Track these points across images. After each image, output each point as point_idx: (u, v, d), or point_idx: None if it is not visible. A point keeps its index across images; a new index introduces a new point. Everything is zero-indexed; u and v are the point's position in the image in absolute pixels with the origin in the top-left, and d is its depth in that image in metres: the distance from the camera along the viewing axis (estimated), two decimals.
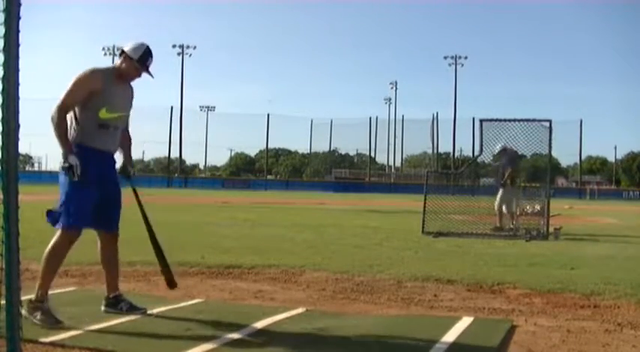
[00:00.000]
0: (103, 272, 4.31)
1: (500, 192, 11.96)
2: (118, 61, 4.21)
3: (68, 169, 3.85)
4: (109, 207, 4.16)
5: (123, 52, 4.17)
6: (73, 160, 3.85)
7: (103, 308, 4.21)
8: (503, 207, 11.94)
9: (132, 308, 4.19)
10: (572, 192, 56.11)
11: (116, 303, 4.21)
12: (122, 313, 4.13)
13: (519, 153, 12.03)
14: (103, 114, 4.02)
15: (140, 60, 4.13)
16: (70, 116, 4.01)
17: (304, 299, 4.99)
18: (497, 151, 11.90)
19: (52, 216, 3.98)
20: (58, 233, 3.97)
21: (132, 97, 4.32)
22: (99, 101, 3.99)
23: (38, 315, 3.78)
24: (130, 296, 4.45)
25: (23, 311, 3.54)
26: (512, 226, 11.76)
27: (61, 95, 3.95)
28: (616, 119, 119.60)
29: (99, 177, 4.02)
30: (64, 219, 3.93)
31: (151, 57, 4.19)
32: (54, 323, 3.76)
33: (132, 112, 4.36)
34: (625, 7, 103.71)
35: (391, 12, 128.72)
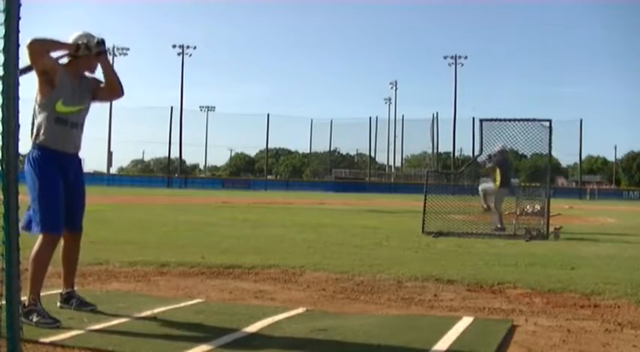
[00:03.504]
0: (62, 268, 4.29)
1: (497, 192, 11.98)
2: (65, 59, 4.11)
3: (99, 44, 4.07)
4: (73, 207, 4.13)
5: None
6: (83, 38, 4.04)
7: (58, 304, 4.23)
8: (492, 205, 11.96)
9: (81, 304, 4.20)
10: (573, 191, 56.16)
11: (69, 299, 4.24)
12: (114, 313, 4.13)
13: (519, 153, 12.08)
14: (60, 107, 3.96)
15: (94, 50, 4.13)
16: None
17: (304, 299, 4.99)
18: (495, 151, 11.92)
19: (27, 224, 3.95)
20: (40, 238, 3.95)
21: (90, 89, 4.21)
22: (54, 94, 3.94)
23: (34, 318, 3.77)
24: (130, 296, 4.46)
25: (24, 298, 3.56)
26: (499, 225, 11.80)
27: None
28: (616, 119, 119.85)
29: (62, 177, 4.01)
30: (42, 224, 3.91)
31: (94, 38, 4.15)
32: (52, 323, 3.75)
33: (91, 106, 4.28)
34: (625, 7, 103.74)
35: (391, 12, 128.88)
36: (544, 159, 12.00)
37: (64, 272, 4.28)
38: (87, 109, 4.22)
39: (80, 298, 4.26)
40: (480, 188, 12.24)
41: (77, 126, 4.11)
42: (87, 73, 4.23)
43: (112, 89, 4.28)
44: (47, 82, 3.93)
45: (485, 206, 12.06)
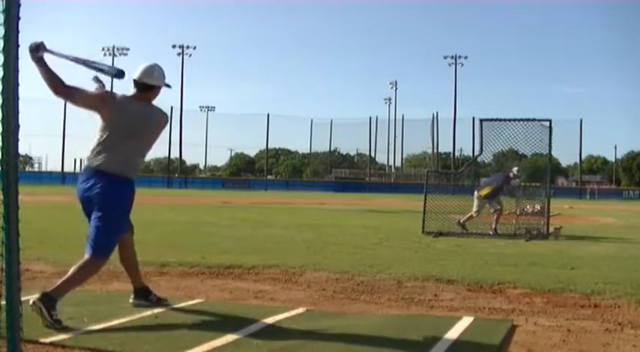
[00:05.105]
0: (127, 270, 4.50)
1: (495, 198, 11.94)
2: (133, 90, 4.25)
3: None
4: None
5: (145, 84, 4.23)
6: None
7: (132, 301, 4.43)
8: (474, 208, 11.91)
9: (159, 301, 4.47)
10: (573, 191, 56.08)
11: (147, 294, 4.47)
12: (126, 312, 4.15)
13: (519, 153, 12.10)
14: None
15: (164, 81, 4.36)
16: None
17: (304, 299, 4.99)
18: (514, 173, 11.97)
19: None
20: (91, 259, 4.00)
21: (156, 117, 4.39)
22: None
23: (43, 309, 3.77)
24: (130, 296, 4.46)
25: (32, 297, 3.61)
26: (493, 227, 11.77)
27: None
28: (616, 119, 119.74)
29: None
30: (102, 249, 4.01)
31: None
32: (52, 323, 3.74)
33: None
34: (625, 7, 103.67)
35: (391, 12, 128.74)
36: (544, 159, 12.01)
37: (130, 273, 4.48)
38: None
39: (156, 295, 4.51)
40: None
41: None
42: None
43: None
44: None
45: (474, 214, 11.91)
